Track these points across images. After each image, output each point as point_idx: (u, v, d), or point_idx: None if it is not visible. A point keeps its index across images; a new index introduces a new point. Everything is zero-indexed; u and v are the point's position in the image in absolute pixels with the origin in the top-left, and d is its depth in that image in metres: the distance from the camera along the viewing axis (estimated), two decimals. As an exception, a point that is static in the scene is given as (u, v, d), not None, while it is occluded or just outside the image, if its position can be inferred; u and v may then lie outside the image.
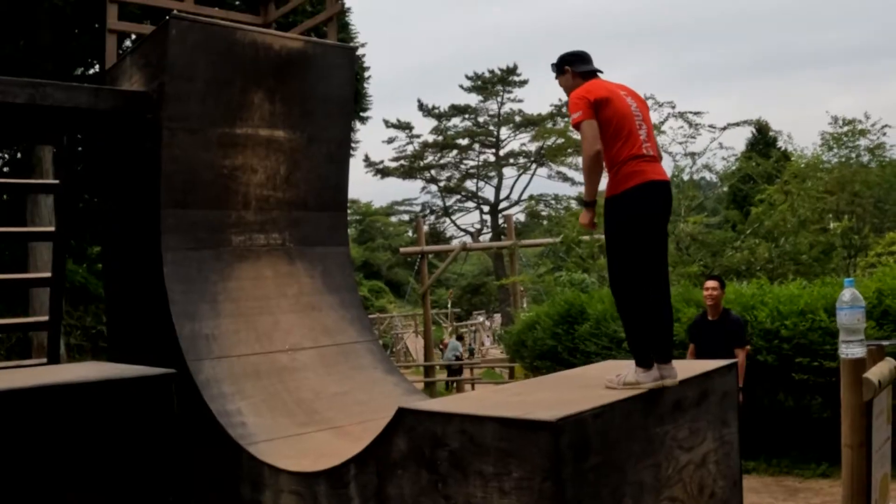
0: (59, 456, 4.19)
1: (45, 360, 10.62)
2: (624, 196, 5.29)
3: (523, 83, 66.18)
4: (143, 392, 4.28)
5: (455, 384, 28.93)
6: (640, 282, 5.31)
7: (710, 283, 10.35)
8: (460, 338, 38.00)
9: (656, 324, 5.32)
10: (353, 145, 31.04)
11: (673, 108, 19.29)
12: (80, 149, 17.98)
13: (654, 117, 19.45)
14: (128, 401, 4.22)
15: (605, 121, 5.36)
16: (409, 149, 67.11)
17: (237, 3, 19.25)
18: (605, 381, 5.37)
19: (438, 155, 67.24)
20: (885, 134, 22.51)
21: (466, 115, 66.59)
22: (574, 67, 5.79)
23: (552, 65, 5.87)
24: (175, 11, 9.55)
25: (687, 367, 5.69)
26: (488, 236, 65.34)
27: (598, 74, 5.80)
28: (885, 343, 5.54)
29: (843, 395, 4.69)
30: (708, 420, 5.47)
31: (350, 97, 10.48)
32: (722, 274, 16.51)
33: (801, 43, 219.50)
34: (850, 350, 4.70)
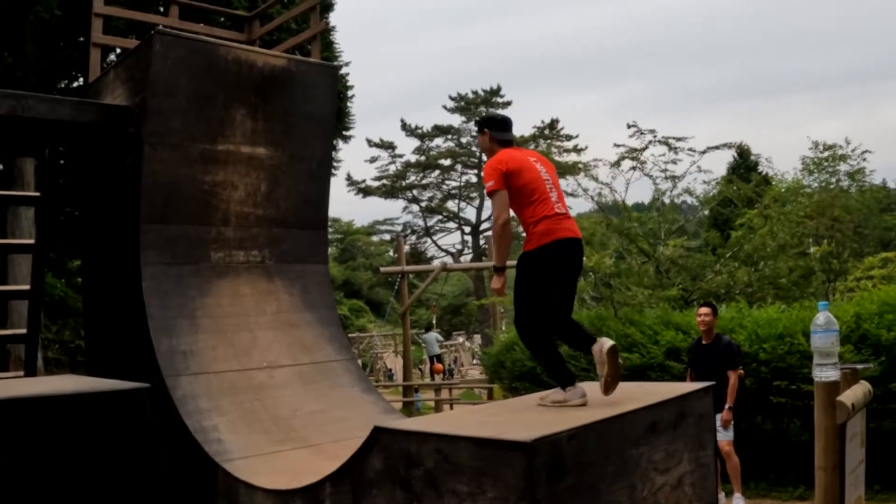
0: (33, 468, 4.17)
1: (21, 372, 10.59)
2: (538, 252, 5.87)
3: (507, 104, 66.25)
4: (117, 406, 4.27)
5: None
6: (549, 325, 6.03)
7: (703, 310, 10.67)
8: (429, 328, 38.03)
9: (558, 352, 6.14)
10: (335, 164, 31.04)
11: (654, 135, 19.31)
12: (61, 162, 17.94)
13: (636, 144, 19.50)
14: (102, 414, 4.21)
15: (518, 188, 5.96)
16: (392, 168, 67.14)
17: (222, 19, 19.21)
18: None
19: (420, 175, 67.26)
20: (865, 159, 22.62)
21: (449, 136, 66.62)
22: (493, 132, 6.36)
23: (475, 121, 6.20)
24: (160, 26, 9.55)
25: (663, 390, 5.70)
26: (469, 257, 65.33)
27: (513, 140, 6.45)
28: (859, 366, 5.57)
29: (817, 417, 4.71)
30: (684, 442, 5.48)
31: (332, 115, 10.50)
32: (701, 297, 16.56)
33: (788, 67, 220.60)
34: (824, 373, 4.73)
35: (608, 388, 5.57)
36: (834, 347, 4.81)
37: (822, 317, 4.83)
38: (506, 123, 6.50)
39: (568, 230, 5.96)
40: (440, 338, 36.98)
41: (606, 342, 5.70)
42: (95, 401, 4.21)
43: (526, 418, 4.91)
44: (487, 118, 6.54)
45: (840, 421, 4.61)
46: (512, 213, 6.09)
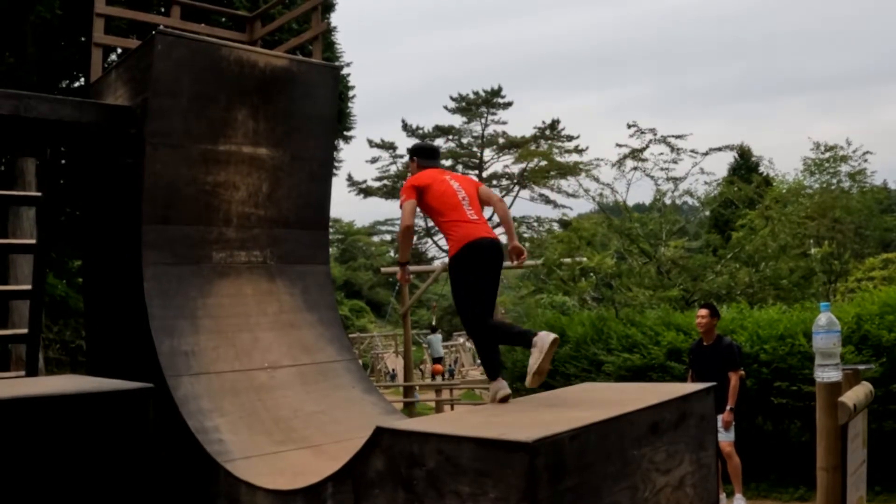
0: (34, 469, 4.17)
1: (23, 372, 10.60)
2: (460, 254, 6.57)
3: (507, 105, 66.34)
4: (119, 406, 4.27)
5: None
6: (484, 315, 6.61)
7: (702, 312, 10.73)
8: (434, 329, 38.01)
9: (497, 344, 6.86)
10: (336, 164, 31.03)
11: (655, 134, 19.28)
12: (63, 162, 17.93)
13: (637, 143, 19.50)
14: (104, 414, 4.21)
15: (431, 200, 6.80)
16: (393, 169, 67.17)
17: (224, 19, 19.22)
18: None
19: (421, 175, 67.22)
20: (866, 160, 22.65)
21: (450, 136, 66.66)
22: (419, 159, 7.27)
23: (407, 149, 7.49)
24: (161, 27, 9.55)
25: (665, 390, 5.70)
26: (470, 258, 65.26)
27: (436, 166, 7.26)
28: (861, 367, 5.57)
29: (819, 418, 4.71)
30: (685, 443, 5.47)
31: (333, 116, 10.50)
32: (702, 298, 16.56)
33: (789, 68, 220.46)
34: (826, 374, 4.73)
35: (535, 382, 6.11)
36: (836, 348, 4.81)
37: (824, 318, 4.84)
38: (432, 152, 7.48)
39: (484, 233, 6.65)
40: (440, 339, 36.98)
41: (552, 334, 6.17)
42: (99, 401, 4.21)
43: (527, 419, 4.91)
44: (416, 147, 7.45)
45: (842, 422, 4.61)
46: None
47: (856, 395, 4.92)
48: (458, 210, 6.73)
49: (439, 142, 66.59)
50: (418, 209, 6.97)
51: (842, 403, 4.59)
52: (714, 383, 6.32)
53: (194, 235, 9.06)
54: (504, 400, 6.38)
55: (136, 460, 4.34)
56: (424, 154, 7.36)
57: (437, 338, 35.83)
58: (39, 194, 11.02)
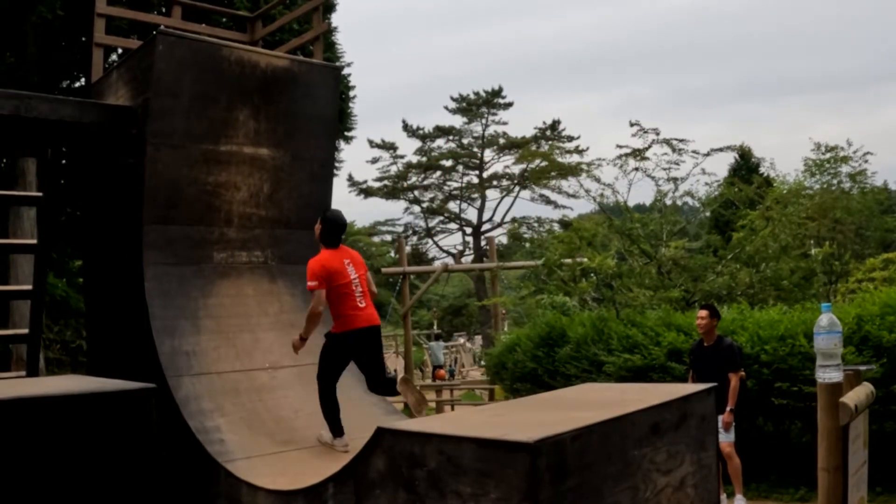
0: (35, 469, 4.18)
1: (23, 372, 10.60)
2: (340, 335, 8.16)
3: (508, 105, 66.28)
4: (122, 406, 4.28)
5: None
6: (334, 386, 8.17)
7: (702, 313, 10.77)
8: (437, 337, 38.07)
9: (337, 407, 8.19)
10: (336, 164, 31.02)
11: (658, 134, 19.26)
12: (64, 162, 17.93)
13: (639, 143, 19.50)
14: (107, 415, 4.21)
15: (333, 287, 8.09)
16: (393, 169, 67.14)
17: (224, 19, 19.23)
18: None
19: (422, 176, 67.23)
20: (866, 161, 22.66)
21: (451, 137, 66.61)
22: (324, 229, 8.38)
23: (321, 217, 8.53)
24: (162, 27, 9.56)
25: (665, 391, 5.71)
26: (470, 258, 65.25)
27: (338, 243, 8.42)
28: (862, 368, 5.57)
29: (820, 419, 4.71)
30: (686, 443, 5.47)
31: (334, 116, 10.52)
32: (703, 299, 16.55)
33: (789, 68, 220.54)
34: (827, 374, 4.73)
35: (418, 412, 8.60)
36: (837, 349, 4.81)
37: (825, 318, 4.84)
38: (339, 225, 8.49)
39: (365, 320, 8.21)
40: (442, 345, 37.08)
41: (398, 375, 8.53)
42: (101, 401, 4.21)
43: (529, 419, 4.91)
44: (328, 218, 8.47)
45: (843, 422, 4.61)
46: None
47: (857, 395, 4.92)
48: (351, 296, 8.15)
49: (439, 142, 66.69)
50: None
51: (843, 404, 4.59)
52: (715, 384, 6.34)
53: (195, 236, 9.08)
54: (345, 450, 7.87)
55: (137, 461, 4.34)
56: (332, 228, 8.43)
57: (438, 345, 35.87)
58: (40, 194, 11.03)
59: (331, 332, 8.24)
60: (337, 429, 8.08)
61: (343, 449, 7.84)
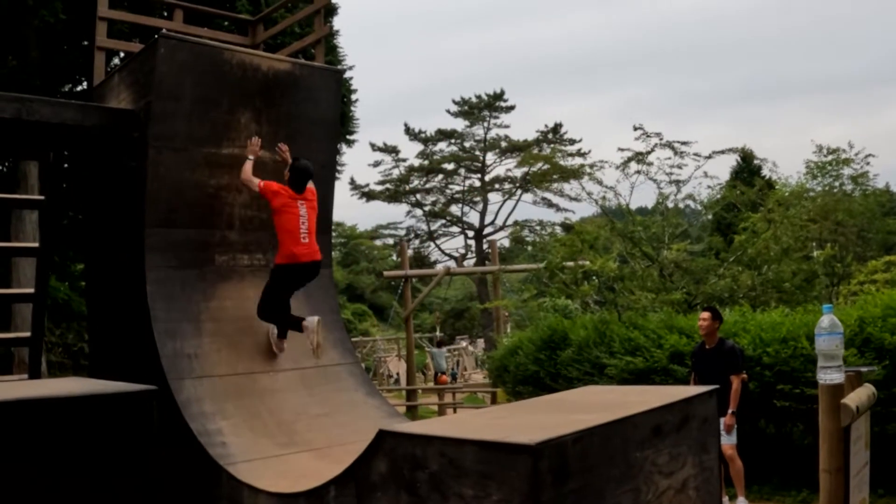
0: (37, 470, 4.18)
1: (25, 375, 10.60)
2: (284, 266, 8.92)
3: (510, 109, 66.27)
4: (123, 408, 4.28)
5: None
6: (281, 303, 9.00)
7: (704, 315, 10.83)
8: (440, 344, 38.11)
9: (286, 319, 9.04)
10: (338, 168, 30.99)
11: (661, 139, 19.27)
12: (66, 165, 17.95)
13: (642, 147, 19.53)
14: (108, 416, 4.22)
15: (278, 216, 8.85)
16: (395, 172, 67.15)
17: (226, 23, 19.24)
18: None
19: (424, 179, 67.23)
20: (868, 163, 22.62)
21: (453, 140, 66.63)
22: (291, 175, 9.04)
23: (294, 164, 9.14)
24: (164, 30, 9.57)
25: (667, 393, 5.71)
26: (472, 261, 65.22)
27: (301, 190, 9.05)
28: (863, 369, 5.57)
29: (822, 420, 4.71)
30: (688, 445, 5.47)
31: (336, 119, 10.52)
32: (705, 301, 16.54)
33: (791, 71, 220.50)
34: (829, 376, 4.73)
35: (316, 353, 8.78)
36: (838, 350, 4.81)
37: (826, 320, 4.84)
38: (305, 175, 9.08)
39: (307, 256, 8.95)
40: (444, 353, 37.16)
41: (316, 317, 8.86)
42: (102, 403, 4.22)
43: (530, 421, 4.91)
44: (295, 167, 9.05)
45: (844, 424, 4.61)
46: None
47: (858, 397, 4.92)
48: (296, 235, 8.83)
49: (441, 145, 66.67)
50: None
51: (844, 405, 4.60)
52: (716, 386, 6.34)
53: (197, 238, 9.10)
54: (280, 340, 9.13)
55: (138, 462, 4.34)
56: (297, 175, 9.04)
57: (440, 352, 35.91)
58: (42, 198, 11.02)
59: (276, 264, 9.03)
60: (284, 331, 9.17)
61: (314, 323, 8.81)
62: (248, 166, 8.98)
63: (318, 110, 9.92)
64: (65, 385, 4.76)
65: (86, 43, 22.31)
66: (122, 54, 19.33)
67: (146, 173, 8.74)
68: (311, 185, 9.19)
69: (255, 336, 9.09)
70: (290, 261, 8.85)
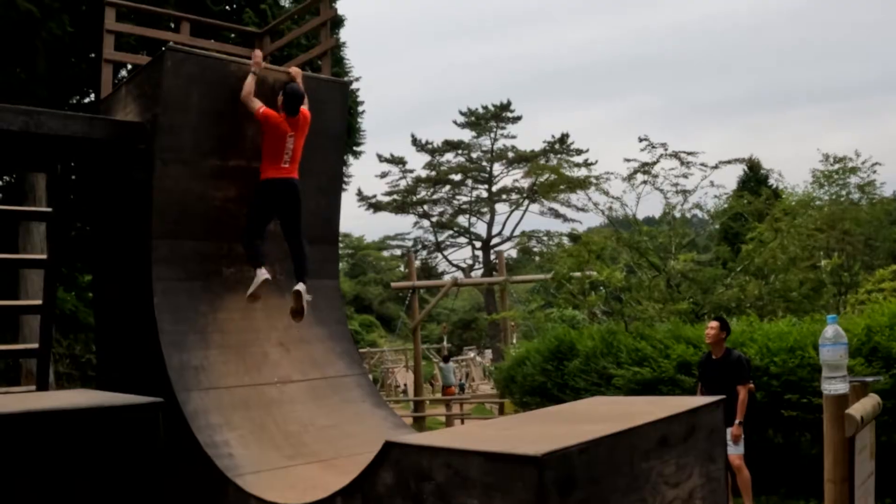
0: (44, 482, 4.19)
1: (33, 387, 10.62)
2: (262, 182, 9.08)
3: (517, 119, 66.39)
4: (131, 420, 4.29)
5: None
6: (258, 227, 9.20)
7: (712, 324, 10.84)
8: (447, 359, 38.14)
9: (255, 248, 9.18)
10: (345, 179, 31.05)
11: (666, 149, 19.29)
12: (73, 177, 18.00)
13: (647, 157, 19.55)
14: (115, 429, 4.23)
15: (266, 138, 9.06)
16: (402, 183, 67.26)
17: (232, 35, 19.29)
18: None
19: (431, 190, 67.31)
20: (875, 171, 22.63)
21: (460, 151, 66.74)
22: (284, 100, 9.13)
23: (286, 89, 9.29)
24: (171, 43, 9.60)
25: (674, 403, 5.71)
26: (480, 272, 65.27)
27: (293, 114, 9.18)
28: (868, 380, 5.58)
29: (826, 430, 4.72)
30: (695, 456, 5.47)
31: (342, 131, 10.54)
32: (712, 311, 16.55)
33: (797, 79, 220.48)
34: (833, 386, 4.74)
35: (295, 318, 9.04)
36: (843, 360, 4.82)
37: (830, 330, 4.85)
38: (296, 98, 9.15)
39: (284, 175, 9.12)
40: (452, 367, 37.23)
41: (299, 286, 9.02)
42: (110, 415, 4.23)
43: (536, 432, 4.91)
44: (287, 91, 9.16)
45: (849, 434, 4.62)
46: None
47: (863, 407, 4.93)
48: (279, 159, 9.05)
49: (448, 156, 66.73)
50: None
51: (849, 416, 4.60)
52: (723, 396, 6.34)
53: (204, 250, 9.11)
54: (265, 282, 8.94)
55: (146, 474, 4.35)
56: (288, 100, 9.11)
57: (448, 367, 35.93)
58: (50, 210, 11.05)
59: (257, 181, 9.20)
60: (257, 261, 9.12)
61: (261, 278, 8.93)
62: (250, 81, 9.08)
63: (324, 122, 9.93)
64: (72, 397, 4.78)
65: (93, 55, 22.41)
66: (129, 66, 19.41)
67: (153, 185, 8.75)
68: (304, 108, 9.30)
69: (262, 347, 9.09)
70: (266, 177, 9.09)
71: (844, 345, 4.85)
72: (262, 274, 8.91)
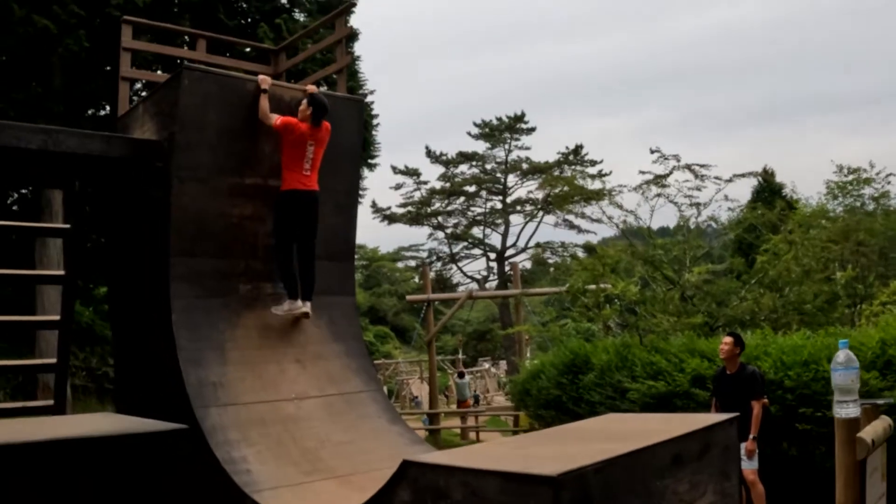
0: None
1: (51, 401, 10.68)
2: (284, 193, 9.26)
3: (531, 130, 66.35)
4: (155, 446, 4.33)
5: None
6: (286, 245, 9.37)
7: (727, 339, 10.83)
8: (462, 375, 38.12)
9: (294, 271, 9.40)
10: (360, 192, 31.17)
11: (678, 160, 19.28)
12: (90, 191, 18.11)
13: (660, 169, 19.54)
14: (139, 455, 4.27)
15: (286, 145, 9.22)
16: (417, 195, 67.21)
17: (247, 50, 19.40)
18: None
19: (446, 202, 67.27)
20: (889, 182, 22.54)
21: (474, 162, 66.71)
22: (313, 111, 9.34)
23: (311, 98, 9.52)
24: (186, 61, 9.67)
25: (688, 421, 5.75)
26: (494, 283, 65.19)
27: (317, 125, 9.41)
28: (879, 402, 5.61)
29: (838, 454, 4.76)
30: (709, 473, 5.50)
31: (358, 148, 10.60)
32: (727, 324, 16.55)
33: (812, 89, 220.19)
34: (845, 410, 4.78)
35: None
36: (854, 385, 4.85)
37: (842, 355, 4.88)
38: (322, 109, 9.40)
39: (305, 186, 9.28)
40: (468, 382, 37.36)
41: (307, 306, 9.39)
42: (135, 442, 4.27)
43: (552, 452, 4.94)
44: (314, 101, 9.40)
45: (860, 457, 4.65)
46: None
47: (874, 429, 4.96)
48: (300, 167, 9.23)
49: (463, 168, 66.71)
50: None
51: (860, 439, 4.64)
52: (737, 413, 6.37)
53: (221, 268, 9.16)
54: (304, 315, 9.40)
55: (167, 500, 4.39)
56: (317, 110, 9.35)
57: (464, 382, 35.95)
58: (68, 226, 11.12)
59: (280, 191, 9.35)
60: (294, 291, 9.42)
61: (300, 311, 9.39)
62: (264, 102, 9.25)
63: (340, 139, 9.99)
64: (96, 423, 4.82)
65: (108, 69, 22.52)
66: (144, 81, 19.52)
67: (171, 203, 8.82)
68: (326, 121, 9.50)
69: (279, 364, 9.14)
70: (288, 187, 9.25)
71: (856, 369, 4.89)
72: (301, 307, 9.40)
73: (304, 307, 9.37)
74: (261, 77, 9.53)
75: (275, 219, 9.41)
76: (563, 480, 4.07)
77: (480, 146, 67.25)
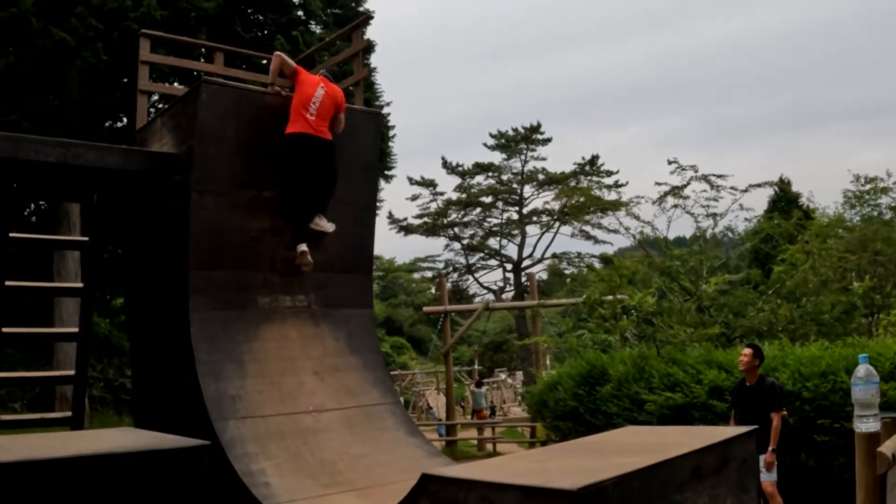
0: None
1: (69, 413, 10.72)
2: (288, 135, 9.20)
3: (547, 141, 66.17)
4: (176, 463, 4.35)
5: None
6: (299, 190, 9.34)
7: (746, 351, 10.83)
8: (479, 384, 38.08)
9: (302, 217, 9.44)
10: (377, 203, 31.20)
11: (696, 171, 19.29)
12: (107, 202, 18.18)
13: (677, 180, 19.54)
14: (161, 472, 4.28)
15: (297, 91, 9.38)
16: (433, 206, 67.03)
17: (264, 62, 19.43)
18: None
19: (462, 212, 67.10)
20: (906, 191, 22.47)
21: (490, 173, 66.53)
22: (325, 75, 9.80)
23: (327, 71, 10.18)
24: (204, 74, 9.71)
25: (706, 434, 5.74)
26: (511, 294, 65.08)
27: (325, 76, 9.81)
28: (900, 417, 5.59)
29: (858, 468, 4.75)
30: (728, 487, 5.49)
31: (376, 160, 10.62)
32: (744, 335, 16.52)
33: (828, 98, 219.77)
34: (865, 425, 4.77)
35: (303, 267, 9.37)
36: (875, 399, 4.85)
37: (862, 369, 4.88)
38: (333, 76, 9.97)
39: (310, 128, 9.20)
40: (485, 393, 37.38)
41: (302, 246, 9.30)
42: (158, 458, 4.29)
43: (571, 466, 4.94)
44: (332, 71, 10.10)
45: (880, 471, 4.65)
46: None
47: (894, 443, 4.95)
48: (304, 110, 9.19)
49: (479, 178, 66.60)
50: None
51: (880, 454, 4.63)
52: (756, 426, 6.36)
53: (240, 280, 9.18)
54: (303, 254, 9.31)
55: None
56: (330, 75, 9.89)
57: (481, 392, 35.94)
58: (86, 239, 11.17)
59: (285, 132, 9.24)
60: (300, 237, 9.44)
61: (301, 250, 9.34)
62: (276, 61, 9.67)
63: (357, 152, 10.02)
64: (117, 439, 4.83)
65: (126, 80, 22.59)
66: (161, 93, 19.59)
67: (189, 216, 8.85)
68: (338, 87, 9.82)
69: (297, 376, 9.15)
70: (296, 129, 9.20)
71: (876, 384, 4.89)
72: (302, 247, 9.40)
73: (302, 247, 9.41)
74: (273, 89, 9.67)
75: (288, 172, 9.37)
76: (583, 494, 4.07)
77: (496, 157, 67.14)
